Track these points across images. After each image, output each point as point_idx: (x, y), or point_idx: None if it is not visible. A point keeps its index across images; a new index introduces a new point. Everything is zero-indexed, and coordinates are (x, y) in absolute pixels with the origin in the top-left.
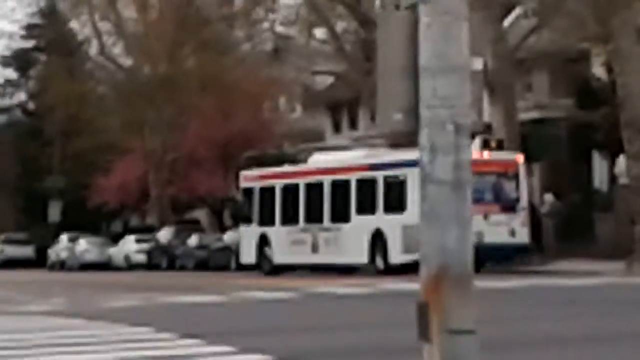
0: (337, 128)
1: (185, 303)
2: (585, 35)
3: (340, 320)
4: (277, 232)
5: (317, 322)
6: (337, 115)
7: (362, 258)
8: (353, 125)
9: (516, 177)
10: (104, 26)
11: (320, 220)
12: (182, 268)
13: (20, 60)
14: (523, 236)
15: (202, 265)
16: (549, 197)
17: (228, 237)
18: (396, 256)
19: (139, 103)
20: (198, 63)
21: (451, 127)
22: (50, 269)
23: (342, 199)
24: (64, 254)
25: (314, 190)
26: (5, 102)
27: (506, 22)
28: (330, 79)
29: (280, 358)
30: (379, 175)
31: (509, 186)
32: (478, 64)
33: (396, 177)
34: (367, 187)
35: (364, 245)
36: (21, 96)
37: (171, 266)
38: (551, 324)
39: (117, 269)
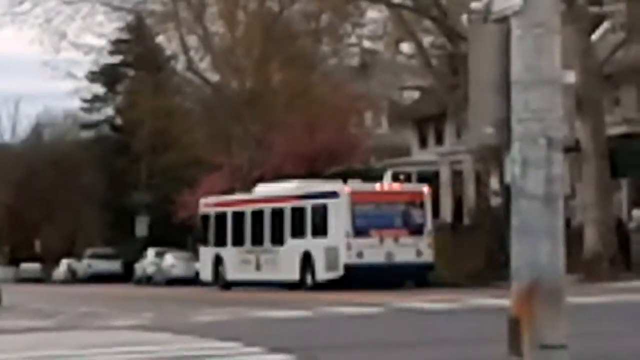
0: (423, 143)
1: (272, 318)
2: None
3: (426, 336)
4: (229, 253)
5: (403, 338)
6: (424, 131)
7: (295, 276)
8: (439, 140)
9: (422, 205)
10: (191, 41)
11: (261, 243)
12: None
13: (108, 75)
14: (428, 256)
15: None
16: (637, 213)
17: None
18: (321, 274)
19: (226, 118)
20: (285, 78)
21: (543, 141)
22: (137, 283)
23: (279, 225)
24: (150, 269)
25: (257, 216)
26: (93, 117)
27: (594, 37)
28: (416, 94)
29: None
30: (307, 204)
31: (416, 213)
32: (570, 77)
33: (320, 206)
34: (298, 214)
35: (296, 265)
36: (108, 111)
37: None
38: (637, 340)
39: (204, 284)
